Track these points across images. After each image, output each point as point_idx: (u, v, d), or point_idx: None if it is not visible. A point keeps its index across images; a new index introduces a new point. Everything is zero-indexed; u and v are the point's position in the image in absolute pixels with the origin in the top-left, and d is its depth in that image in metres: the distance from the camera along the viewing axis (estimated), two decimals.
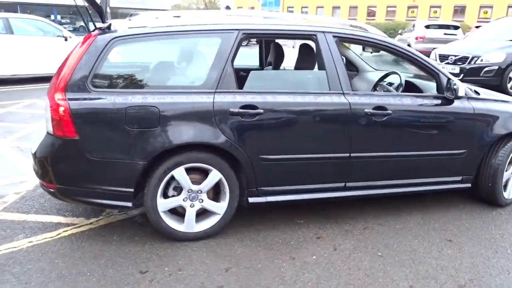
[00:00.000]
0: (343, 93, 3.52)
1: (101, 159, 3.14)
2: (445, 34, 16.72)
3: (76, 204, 3.74)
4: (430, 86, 4.06)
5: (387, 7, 47.10)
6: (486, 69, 9.67)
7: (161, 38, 3.38)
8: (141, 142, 3.14)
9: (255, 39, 6.79)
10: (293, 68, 4.30)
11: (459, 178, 4.02)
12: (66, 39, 10.74)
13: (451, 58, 10.25)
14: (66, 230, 3.56)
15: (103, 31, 3.23)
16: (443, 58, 10.54)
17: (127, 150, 3.15)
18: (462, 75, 9.77)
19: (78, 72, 3.10)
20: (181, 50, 3.92)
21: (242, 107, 3.29)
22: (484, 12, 41.10)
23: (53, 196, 3.39)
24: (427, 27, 17.69)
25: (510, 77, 9.69)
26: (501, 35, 10.53)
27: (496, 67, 9.61)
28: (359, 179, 3.71)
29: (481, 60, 9.79)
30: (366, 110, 3.52)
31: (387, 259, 3.30)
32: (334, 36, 3.57)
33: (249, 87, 3.44)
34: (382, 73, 4.70)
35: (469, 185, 4.08)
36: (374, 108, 3.55)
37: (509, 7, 38.59)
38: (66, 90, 3.08)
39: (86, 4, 3.37)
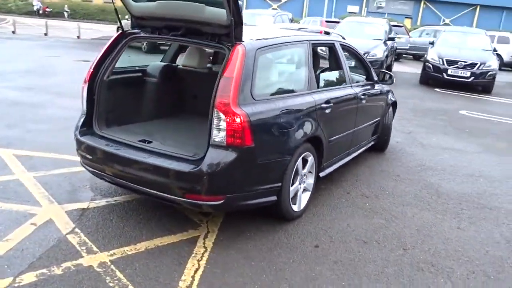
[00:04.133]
0: (351, 86, 4.90)
1: (266, 161, 3.44)
2: None
3: (235, 210, 3.75)
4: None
5: None
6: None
7: (279, 49, 3.93)
8: (289, 140, 3.62)
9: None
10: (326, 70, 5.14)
11: (374, 138, 5.84)
12: None
13: None
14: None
15: (241, 43, 3.39)
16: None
17: (281, 149, 3.59)
18: None
19: (243, 85, 3.27)
20: (290, 58, 4.36)
21: (325, 102, 4.13)
22: None
23: (214, 209, 3.42)
24: None
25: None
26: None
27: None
28: (357, 145, 5.23)
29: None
30: (361, 95, 4.97)
31: None
32: (340, 44, 4.90)
33: (321, 86, 4.33)
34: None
35: (377, 140, 5.96)
36: (364, 93, 5.09)
37: None
38: (239, 103, 3.16)
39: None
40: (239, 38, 3.34)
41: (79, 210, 3.85)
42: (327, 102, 4.17)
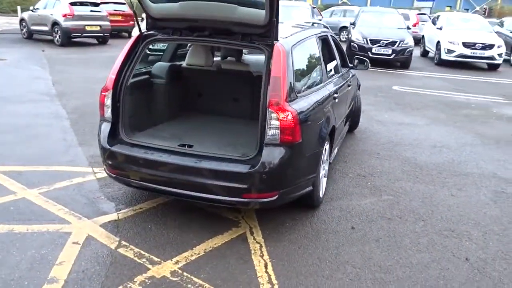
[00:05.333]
0: (342, 74, 5.29)
1: (309, 154, 3.64)
2: (91, 11, 15.91)
3: (280, 204, 3.62)
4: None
5: None
6: None
7: (303, 44, 4.06)
8: (323, 131, 3.88)
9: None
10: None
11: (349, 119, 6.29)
12: None
13: None
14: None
15: (278, 42, 3.51)
16: None
17: (319, 141, 3.75)
18: None
19: (289, 82, 3.37)
20: (310, 52, 4.41)
21: (335, 92, 4.49)
22: None
23: (266, 205, 3.49)
24: (73, 4, 15.59)
25: None
26: None
27: None
28: (345, 129, 5.85)
29: None
30: (348, 82, 5.43)
31: None
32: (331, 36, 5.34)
33: (329, 77, 4.63)
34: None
35: (351, 122, 6.41)
36: (349, 79, 5.50)
37: None
38: (288, 101, 3.29)
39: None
40: (276, 37, 3.44)
41: (111, 222, 3.72)
42: (335, 92, 4.43)
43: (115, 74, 3.64)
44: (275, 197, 3.39)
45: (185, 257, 3.27)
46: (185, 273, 3.07)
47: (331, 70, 4.79)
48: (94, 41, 16.50)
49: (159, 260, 3.22)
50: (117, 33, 18.22)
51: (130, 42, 3.74)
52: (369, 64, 6.01)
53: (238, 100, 4.56)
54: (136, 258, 3.23)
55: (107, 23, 16.18)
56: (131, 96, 3.76)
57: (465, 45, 13.75)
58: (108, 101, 3.65)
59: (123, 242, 3.43)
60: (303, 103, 3.51)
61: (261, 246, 3.48)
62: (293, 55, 3.57)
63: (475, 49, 13.72)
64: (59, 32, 15.28)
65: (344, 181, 4.88)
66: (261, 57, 5.71)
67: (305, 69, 4.16)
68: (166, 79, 4.33)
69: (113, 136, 3.67)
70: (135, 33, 11.74)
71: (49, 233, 3.50)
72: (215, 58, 4.89)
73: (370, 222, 3.98)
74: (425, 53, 16.44)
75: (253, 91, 4.42)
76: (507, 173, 5.43)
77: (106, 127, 3.68)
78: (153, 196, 4.18)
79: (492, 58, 13.79)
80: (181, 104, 4.63)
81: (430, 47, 15.60)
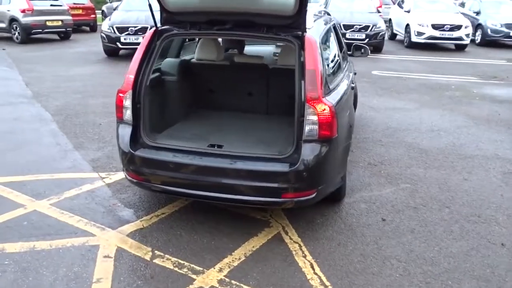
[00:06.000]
0: (348, 62, 5.13)
1: (342, 148, 3.50)
2: (51, 5, 15.21)
3: (316, 201, 3.46)
4: None
5: None
6: None
7: (325, 35, 4.00)
8: (350, 124, 3.80)
9: None
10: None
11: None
12: None
13: None
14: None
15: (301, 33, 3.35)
16: None
17: (348, 134, 3.69)
18: None
19: (323, 75, 3.28)
20: (330, 42, 4.32)
21: (351, 82, 4.44)
22: None
23: (303, 204, 3.37)
24: None
25: None
26: None
27: None
28: None
29: None
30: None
31: None
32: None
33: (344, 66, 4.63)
34: None
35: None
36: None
37: None
38: (324, 94, 3.20)
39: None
40: (305, 28, 3.30)
41: (137, 231, 3.52)
42: (352, 82, 4.34)
43: (134, 74, 3.40)
44: (313, 195, 3.28)
45: (227, 263, 3.13)
46: (233, 281, 2.94)
47: (344, 58, 4.70)
48: (55, 36, 15.73)
49: (201, 269, 3.06)
50: (77, 27, 17.41)
51: (145, 38, 3.51)
52: (369, 51, 5.96)
53: (252, 94, 4.40)
54: (176, 269, 3.05)
55: (69, 17, 15.45)
56: (149, 97, 3.53)
57: (434, 27, 14.02)
58: (127, 103, 3.42)
59: (157, 252, 3.24)
60: (335, 96, 3.42)
61: (300, 246, 3.38)
62: (321, 46, 3.46)
63: (444, 30, 14.02)
64: (18, 28, 14.45)
65: (358, 171, 4.84)
66: (262, 48, 5.60)
67: (328, 59, 4.05)
68: (178, 75, 4.11)
69: (134, 140, 3.44)
70: (105, 26, 11.38)
71: (75, 247, 3.26)
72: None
73: (398, 213, 3.95)
74: (393, 36, 16.66)
75: (268, 85, 4.27)
76: (508, 153, 5.54)
77: (126, 131, 3.45)
78: (171, 200, 3.99)
79: (460, 38, 14.13)
80: (193, 101, 4.43)
81: (399, 30, 15.82)
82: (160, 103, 3.95)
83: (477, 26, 15.49)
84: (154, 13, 3.51)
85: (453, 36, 14.11)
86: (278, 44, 5.12)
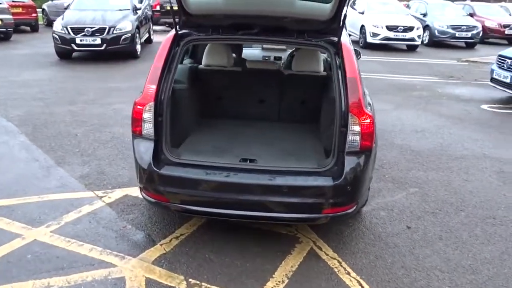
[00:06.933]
0: None
1: (375, 158, 3.38)
2: None
3: (355, 212, 3.35)
4: None
5: None
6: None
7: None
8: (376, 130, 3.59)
9: None
10: None
11: None
12: None
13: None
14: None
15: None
16: None
17: (377, 141, 3.46)
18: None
19: (362, 84, 3.21)
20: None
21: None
22: None
23: (340, 218, 3.29)
24: None
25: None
26: None
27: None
28: None
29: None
30: None
31: None
32: None
33: None
34: None
35: None
36: None
37: None
38: (364, 104, 3.10)
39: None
40: (341, 34, 3.15)
41: (161, 257, 3.20)
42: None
43: (156, 84, 3.08)
44: (353, 209, 3.14)
45: (272, 287, 2.91)
46: None
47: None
48: None
49: None
50: (16, 27, 16.17)
51: (165, 44, 3.19)
52: (360, 54, 5.92)
53: (264, 101, 4.18)
54: None
55: (10, 16, 14.33)
56: (169, 108, 3.22)
57: (389, 28, 14.43)
58: (147, 115, 3.09)
59: (192, 280, 2.96)
60: (370, 104, 3.29)
61: (339, 262, 3.22)
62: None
63: (398, 31, 14.47)
64: None
65: None
66: (257, 52, 5.37)
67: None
68: (188, 83, 3.81)
69: (155, 156, 3.12)
70: (57, 27, 10.60)
71: (98, 282, 2.90)
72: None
73: (419, 219, 3.91)
74: None
75: (282, 91, 4.08)
76: (493, 152, 5.72)
77: (148, 147, 3.11)
78: (185, 219, 3.70)
79: (413, 39, 14.65)
80: (202, 110, 4.13)
81: (353, 31, 16.12)
82: (174, 115, 3.64)
83: (424, 28, 16.12)
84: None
85: (406, 37, 14.60)
86: (282, 48, 4.94)
